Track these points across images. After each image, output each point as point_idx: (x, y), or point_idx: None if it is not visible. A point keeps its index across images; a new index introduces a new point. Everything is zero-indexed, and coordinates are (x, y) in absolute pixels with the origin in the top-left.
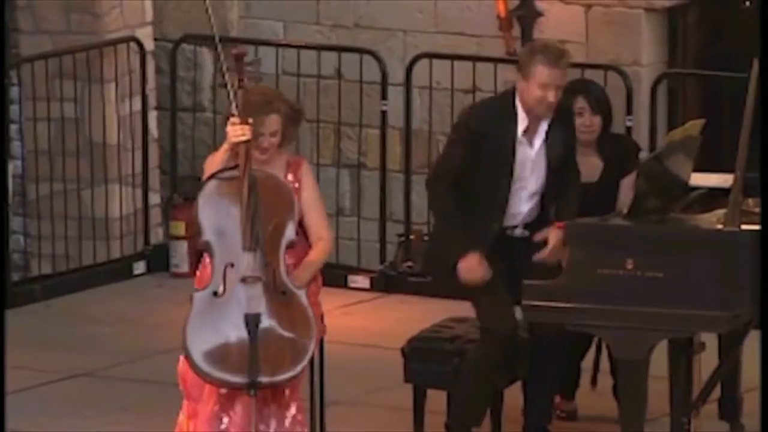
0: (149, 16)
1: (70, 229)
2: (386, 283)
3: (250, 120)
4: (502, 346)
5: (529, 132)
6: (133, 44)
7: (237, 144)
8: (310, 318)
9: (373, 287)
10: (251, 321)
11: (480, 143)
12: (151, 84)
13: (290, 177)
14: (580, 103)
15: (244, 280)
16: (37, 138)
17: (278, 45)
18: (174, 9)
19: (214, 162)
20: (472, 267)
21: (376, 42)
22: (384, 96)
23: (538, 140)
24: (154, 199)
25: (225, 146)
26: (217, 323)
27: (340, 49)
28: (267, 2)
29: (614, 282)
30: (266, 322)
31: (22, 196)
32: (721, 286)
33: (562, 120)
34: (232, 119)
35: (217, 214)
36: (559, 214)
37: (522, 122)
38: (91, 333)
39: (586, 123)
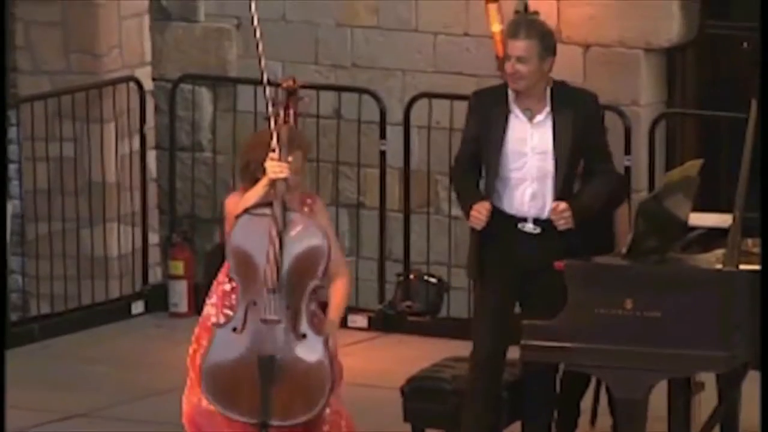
0: (148, 56)
1: (68, 268)
2: (385, 323)
3: (291, 158)
4: (480, 372)
5: (531, 109)
6: (132, 84)
7: (274, 180)
8: (326, 365)
9: (372, 327)
10: (265, 363)
11: (480, 119)
12: (150, 123)
13: (306, 212)
14: None
15: (264, 321)
16: (36, 177)
17: (277, 85)
18: (173, 49)
19: (249, 196)
20: (478, 212)
21: (374, 82)
22: (383, 135)
23: (540, 116)
24: (153, 238)
25: (263, 181)
26: (232, 361)
27: (339, 89)
28: (265, 43)
29: (613, 322)
30: (281, 365)
31: (20, 235)
32: (720, 326)
33: (574, 103)
34: (272, 155)
35: (245, 251)
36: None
37: (514, 98)
38: (89, 373)
39: None
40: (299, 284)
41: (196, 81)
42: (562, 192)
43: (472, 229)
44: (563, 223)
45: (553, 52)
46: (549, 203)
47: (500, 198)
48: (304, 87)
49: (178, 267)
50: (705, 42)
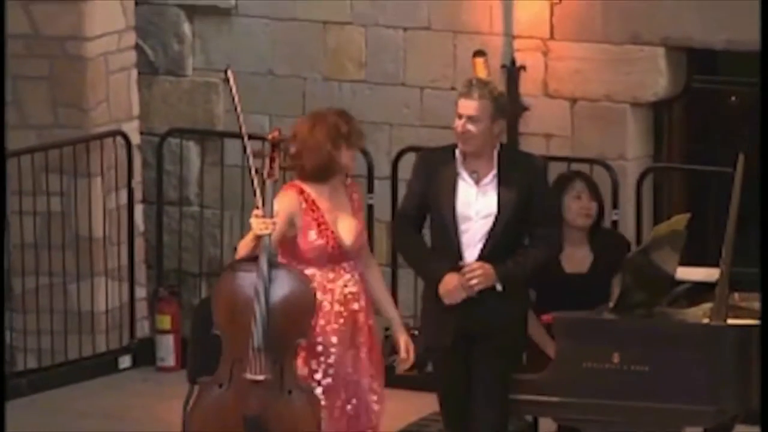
0: (136, 110)
1: (55, 323)
2: None
3: (275, 217)
4: None
5: (478, 172)
6: (119, 138)
7: (260, 237)
8: (313, 419)
9: None
10: (251, 423)
11: (427, 179)
12: (137, 178)
13: (355, 197)
14: (579, 186)
15: (249, 379)
16: (23, 231)
17: (264, 139)
18: (161, 103)
19: (239, 249)
20: (451, 290)
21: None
22: (370, 189)
23: (487, 180)
24: (140, 292)
25: (250, 236)
26: (218, 420)
27: None
28: (253, 96)
29: (600, 376)
30: (267, 424)
31: (7, 290)
32: (708, 380)
33: (520, 166)
34: (256, 212)
35: (231, 307)
36: (503, 269)
37: (462, 160)
38: (76, 428)
39: (585, 206)
40: (286, 341)
41: (183, 135)
42: (498, 256)
43: (430, 297)
44: (475, 282)
45: (504, 116)
46: (496, 259)
47: (447, 253)
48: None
49: (165, 321)
50: (692, 96)
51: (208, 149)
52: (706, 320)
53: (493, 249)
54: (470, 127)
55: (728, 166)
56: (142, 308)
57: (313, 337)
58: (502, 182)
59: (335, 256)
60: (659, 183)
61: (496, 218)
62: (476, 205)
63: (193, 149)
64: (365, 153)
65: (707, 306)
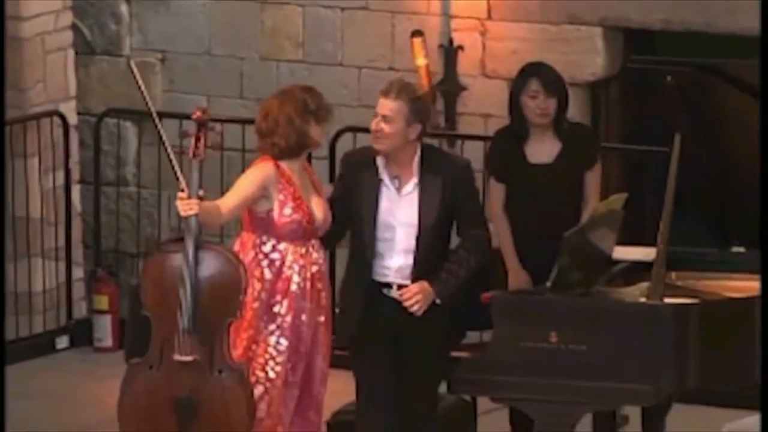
0: (73, 90)
1: None
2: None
3: (201, 192)
4: None
5: (400, 178)
6: (56, 118)
7: (185, 219)
8: (245, 398)
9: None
10: (181, 404)
11: (350, 184)
12: (74, 158)
13: (315, 177)
14: (534, 85)
15: (178, 360)
16: None
17: (187, 117)
18: (97, 83)
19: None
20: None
21: None
22: None
23: (408, 187)
24: (77, 273)
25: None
26: (149, 401)
27: None
28: (190, 77)
29: (538, 355)
30: (197, 404)
31: None
32: (645, 359)
33: (443, 170)
34: (180, 194)
35: (158, 289)
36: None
37: (381, 162)
38: (13, 408)
39: (541, 106)
40: (214, 321)
41: (120, 115)
42: (423, 265)
43: (344, 295)
44: (416, 307)
45: (422, 121)
46: (410, 271)
47: (367, 263)
48: (228, 121)
49: (103, 302)
50: (629, 76)
51: (146, 129)
52: (643, 299)
53: (423, 259)
54: (383, 126)
55: (665, 145)
56: (79, 289)
57: (285, 315)
58: (423, 189)
59: (308, 231)
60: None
61: (419, 229)
62: (399, 214)
63: (130, 129)
64: None
65: (644, 285)
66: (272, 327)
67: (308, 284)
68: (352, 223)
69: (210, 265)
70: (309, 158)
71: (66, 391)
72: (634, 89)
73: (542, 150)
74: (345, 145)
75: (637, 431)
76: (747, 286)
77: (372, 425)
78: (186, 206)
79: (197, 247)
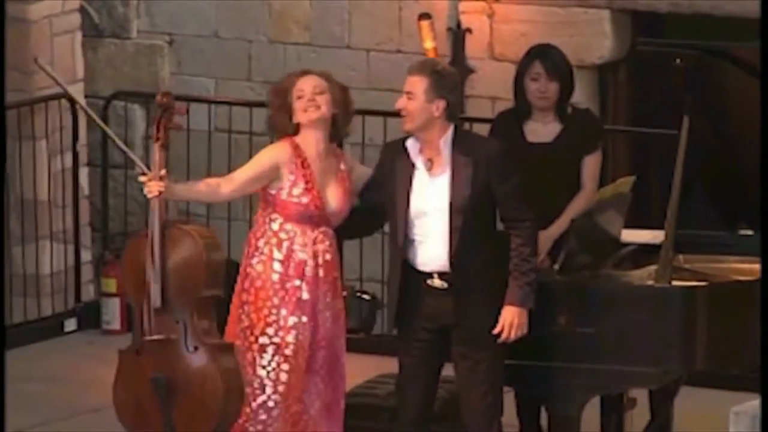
0: (80, 73)
1: None
2: None
3: (162, 172)
4: None
5: (432, 161)
6: (64, 101)
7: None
8: (220, 375)
9: None
10: (158, 384)
11: (387, 171)
12: (82, 141)
13: (342, 167)
14: (537, 68)
15: (152, 340)
16: None
17: (210, 101)
18: (105, 66)
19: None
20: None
21: None
22: None
23: (439, 170)
24: (85, 256)
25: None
26: (133, 385)
27: None
28: (198, 59)
29: (546, 338)
30: (175, 382)
31: None
32: (653, 342)
33: (475, 153)
34: (140, 177)
35: (132, 273)
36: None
37: (413, 145)
38: (21, 391)
39: (542, 89)
40: (185, 297)
41: (128, 98)
42: (460, 249)
43: (388, 285)
44: (520, 333)
45: (445, 97)
46: (458, 258)
47: (408, 252)
48: (235, 103)
49: (111, 284)
50: (637, 59)
51: (153, 112)
52: (650, 282)
53: (458, 244)
54: (406, 103)
55: (673, 128)
56: (87, 271)
57: (300, 301)
58: (454, 171)
59: (317, 217)
60: (604, 146)
61: (450, 212)
62: (430, 198)
63: (138, 112)
64: None
65: (652, 268)
66: (286, 311)
67: (321, 271)
68: (388, 211)
69: (175, 243)
70: (340, 145)
71: (74, 374)
72: (642, 72)
73: (542, 130)
74: (353, 128)
75: (644, 414)
76: (755, 268)
77: (409, 414)
78: (147, 188)
79: (163, 227)
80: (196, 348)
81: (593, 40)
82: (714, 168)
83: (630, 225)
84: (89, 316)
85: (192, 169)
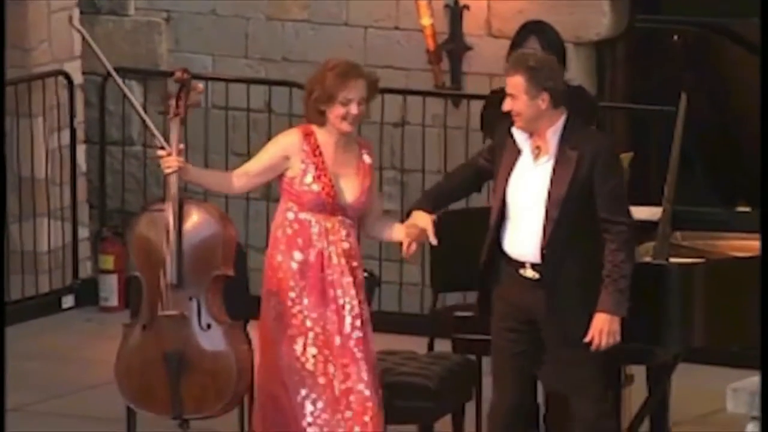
0: (78, 50)
1: None
2: None
3: (181, 146)
4: (498, 424)
5: (540, 148)
6: (61, 78)
7: (169, 175)
8: (233, 353)
9: None
10: (170, 359)
11: (497, 150)
12: (79, 118)
13: (366, 159)
14: (532, 43)
15: (167, 316)
16: None
17: (207, 78)
18: (103, 43)
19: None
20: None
21: (305, 75)
22: None
23: (544, 159)
24: (83, 232)
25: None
26: (141, 359)
27: (270, 83)
28: (196, 36)
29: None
30: (186, 359)
31: None
32: (650, 319)
33: (583, 145)
34: (160, 151)
35: (146, 248)
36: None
37: (524, 136)
38: (19, 368)
39: None
40: (200, 274)
41: (126, 75)
42: (554, 241)
43: (481, 269)
44: (612, 341)
45: (546, 88)
46: (552, 250)
47: (501, 237)
48: (233, 80)
49: (109, 261)
50: (635, 35)
51: (151, 89)
52: (648, 258)
53: (552, 235)
54: (510, 104)
55: (671, 105)
56: (85, 248)
57: (325, 290)
58: (558, 161)
59: (330, 206)
60: (602, 122)
61: (548, 200)
62: (531, 186)
63: (135, 89)
64: None
65: (650, 245)
66: (309, 301)
67: (342, 260)
68: (492, 195)
69: (192, 219)
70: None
71: (71, 351)
72: (640, 48)
73: None
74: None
75: (642, 390)
76: (753, 245)
77: (506, 403)
78: (165, 163)
79: (180, 204)
80: (209, 326)
81: (591, 16)
82: (712, 145)
83: (628, 202)
84: (87, 293)
85: (189, 145)
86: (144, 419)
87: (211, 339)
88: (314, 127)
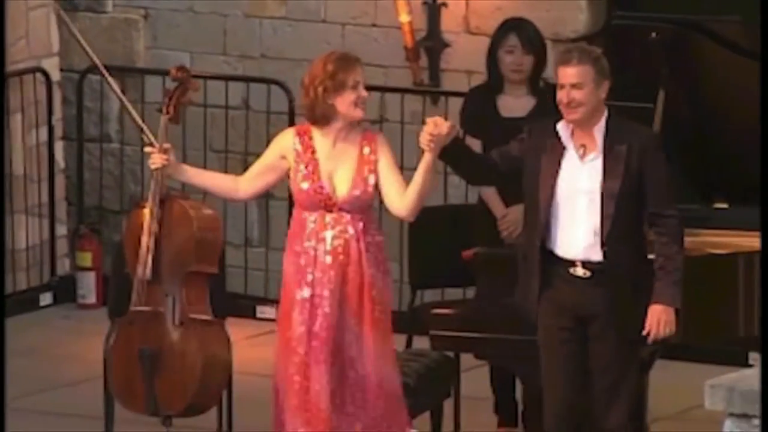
0: (56, 46)
1: None
2: None
3: (167, 144)
4: (558, 426)
5: (585, 146)
6: (39, 75)
7: (155, 171)
8: (202, 352)
9: None
10: (144, 355)
11: (532, 151)
12: (57, 114)
13: (366, 150)
14: (512, 40)
15: (140, 311)
16: None
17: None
18: None
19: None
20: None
21: (283, 72)
22: (292, 126)
23: (592, 155)
24: (61, 230)
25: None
26: (122, 356)
27: (248, 80)
28: (173, 33)
29: (520, 312)
30: (159, 355)
31: None
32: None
33: (630, 139)
34: (147, 148)
35: (132, 243)
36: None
37: (564, 129)
38: None
39: (517, 61)
40: (176, 271)
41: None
42: (611, 237)
43: (523, 272)
44: (668, 331)
45: (608, 78)
46: (598, 247)
47: (544, 234)
48: (211, 77)
49: (86, 258)
50: (612, 33)
51: (129, 86)
52: None
53: (609, 231)
54: (575, 94)
55: (649, 102)
56: (62, 245)
57: (311, 288)
58: (607, 156)
59: (323, 202)
60: None
61: (602, 197)
62: (581, 182)
63: (113, 86)
64: (286, 90)
65: None
66: (299, 296)
67: (329, 258)
68: (527, 193)
69: (171, 216)
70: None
71: (49, 348)
72: (617, 46)
73: (515, 104)
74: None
75: None
76: (729, 242)
77: (557, 408)
78: (150, 160)
79: (162, 200)
80: (181, 323)
81: (569, 13)
82: (689, 142)
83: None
84: (64, 290)
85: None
86: (124, 417)
87: (182, 336)
88: (311, 127)
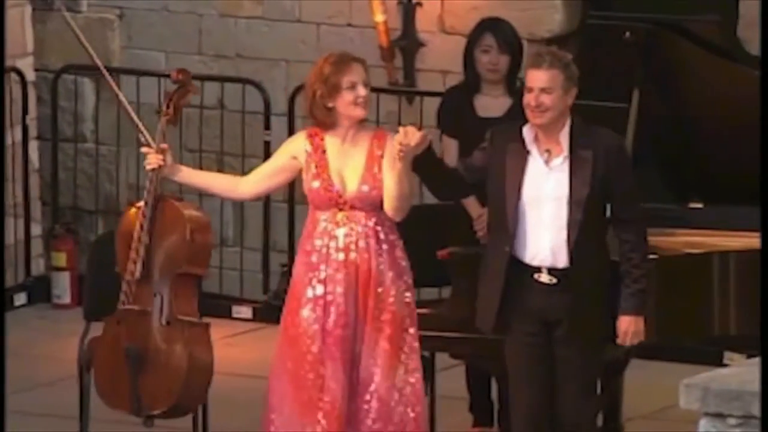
0: (30, 46)
1: None
2: (270, 314)
3: (164, 145)
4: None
5: (549, 151)
6: (13, 74)
7: (150, 171)
8: (187, 352)
9: (257, 317)
10: (129, 354)
11: (494, 156)
12: (32, 114)
13: (376, 148)
14: (488, 40)
15: (127, 310)
16: None
17: (160, 75)
18: (55, 39)
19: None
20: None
21: (258, 72)
22: (267, 126)
23: (558, 160)
24: (35, 229)
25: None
26: (112, 352)
27: (223, 80)
28: (148, 33)
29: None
30: (145, 355)
31: None
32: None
33: (595, 144)
34: (143, 149)
35: (125, 242)
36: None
37: (529, 133)
38: None
39: (493, 61)
40: (166, 271)
41: (78, 71)
42: (578, 243)
43: (484, 278)
44: (636, 341)
45: (576, 84)
46: (565, 253)
47: (510, 241)
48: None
49: (61, 258)
50: (587, 32)
51: (104, 85)
52: None
53: (576, 237)
54: (543, 98)
55: (623, 101)
56: (37, 245)
57: (323, 285)
58: (574, 162)
59: (333, 200)
60: None
61: (570, 203)
62: (546, 187)
63: (88, 85)
64: (261, 89)
65: None
66: (311, 294)
67: (341, 255)
68: (492, 198)
69: (163, 216)
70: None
71: (25, 348)
72: (592, 45)
73: (492, 104)
74: (304, 101)
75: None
76: (705, 241)
77: (525, 416)
78: (146, 160)
79: (156, 201)
80: (168, 323)
81: (544, 13)
82: (664, 141)
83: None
84: (39, 291)
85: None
86: (100, 417)
87: (168, 336)
88: (320, 127)
